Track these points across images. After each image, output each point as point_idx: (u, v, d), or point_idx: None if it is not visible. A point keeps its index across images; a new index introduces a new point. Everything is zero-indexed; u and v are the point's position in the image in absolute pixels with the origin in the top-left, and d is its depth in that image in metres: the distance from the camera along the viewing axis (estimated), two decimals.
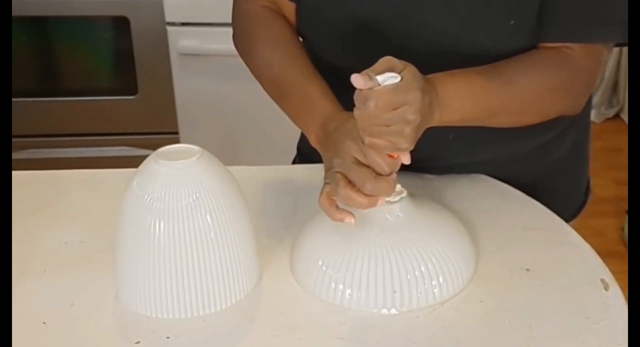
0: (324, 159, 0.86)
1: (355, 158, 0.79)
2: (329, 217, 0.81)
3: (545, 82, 0.90)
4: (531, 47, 0.91)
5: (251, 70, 1.04)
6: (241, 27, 1.06)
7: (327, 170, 0.83)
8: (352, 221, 0.79)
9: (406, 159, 0.79)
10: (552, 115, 0.96)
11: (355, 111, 0.75)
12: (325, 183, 0.82)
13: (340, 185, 0.79)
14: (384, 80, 0.73)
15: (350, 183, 0.79)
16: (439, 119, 0.82)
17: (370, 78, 0.73)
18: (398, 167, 0.79)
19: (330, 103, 0.91)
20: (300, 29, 1.02)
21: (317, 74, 0.96)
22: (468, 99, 0.85)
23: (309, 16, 0.99)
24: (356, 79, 0.72)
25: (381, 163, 0.77)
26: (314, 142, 0.91)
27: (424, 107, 0.75)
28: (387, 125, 0.74)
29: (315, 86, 0.94)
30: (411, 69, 0.75)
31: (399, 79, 0.74)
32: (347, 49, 0.97)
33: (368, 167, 0.78)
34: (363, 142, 0.77)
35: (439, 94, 0.81)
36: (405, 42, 0.91)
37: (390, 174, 0.78)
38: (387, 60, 0.75)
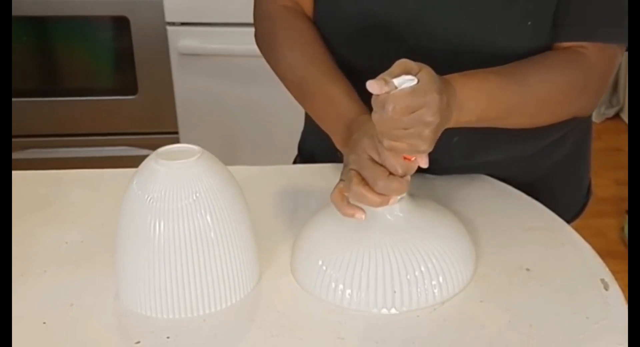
0: (344, 159, 0.87)
1: (370, 156, 0.79)
2: (340, 212, 0.81)
3: (560, 83, 0.90)
4: (547, 47, 0.91)
5: (275, 72, 1.03)
6: (262, 28, 1.05)
7: (344, 167, 0.84)
8: (363, 216, 0.80)
9: (424, 163, 0.79)
10: (565, 116, 0.96)
11: (373, 115, 0.74)
12: (340, 180, 0.82)
13: (353, 182, 0.79)
14: (400, 83, 0.73)
15: (364, 181, 0.79)
16: (456, 120, 0.82)
17: (386, 82, 0.72)
18: (413, 170, 0.79)
19: (354, 105, 0.91)
20: (317, 26, 1.02)
21: (341, 74, 0.96)
22: (484, 99, 0.85)
23: (326, 13, 0.99)
24: (372, 85, 0.72)
25: (395, 164, 0.77)
26: (339, 144, 0.91)
27: (442, 109, 0.75)
28: (406, 129, 0.74)
29: (339, 88, 0.93)
30: (427, 71, 0.75)
31: (415, 81, 0.74)
32: (363, 47, 0.97)
33: (382, 165, 0.78)
34: (380, 141, 0.77)
35: (457, 94, 0.81)
36: (421, 42, 0.91)
37: (403, 175, 0.79)
38: (402, 62, 0.75)
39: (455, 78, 0.82)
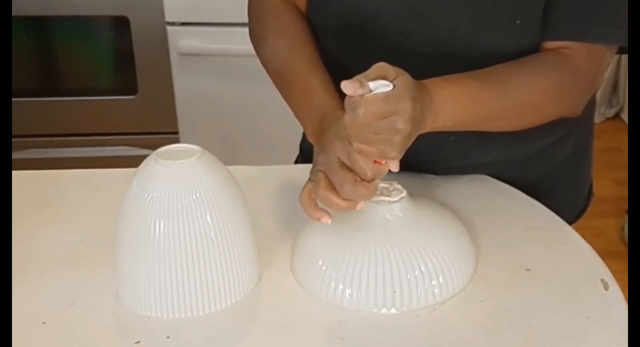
0: (313, 156, 0.86)
1: (339, 159, 0.79)
2: (307, 215, 0.81)
3: (542, 85, 0.89)
4: (537, 47, 0.91)
5: (260, 60, 1.03)
6: (253, 16, 1.06)
7: (313, 166, 0.84)
8: (329, 221, 0.80)
9: (394, 167, 0.78)
10: (550, 118, 0.95)
11: (345, 117, 0.74)
12: (309, 179, 0.82)
13: (320, 185, 0.79)
14: (376, 87, 0.72)
15: (331, 184, 0.78)
16: (432, 126, 0.81)
17: (362, 84, 0.71)
18: (383, 174, 0.78)
19: (330, 98, 0.90)
20: (310, 18, 1.02)
21: (322, 66, 0.95)
22: (463, 103, 0.84)
23: (317, 8, 0.99)
24: (346, 86, 0.71)
25: (365, 168, 0.77)
26: (309, 136, 0.91)
27: (414, 117, 0.74)
28: (376, 134, 0.73)
29: (318, 79, 0.93)
30: (404, 77, 0.74)
31: (391, 87, 0.73)
32: (352, 42, 0.97)
33: (351, 170, 0.78)
34: (350, 143, 0.76)
35: (433, 99, 0.80)
36: (411, 39, 0.91)
37: (372, 180, 0.78)
38: (380, 66, 0.74)
39: (433, 82, 0.81)
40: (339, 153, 0.79)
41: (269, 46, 1.01)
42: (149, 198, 0.76)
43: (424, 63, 0.82)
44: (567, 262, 0.88)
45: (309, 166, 1.13)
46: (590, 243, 0.91)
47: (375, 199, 0.83)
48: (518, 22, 0.88)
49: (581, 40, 0.89)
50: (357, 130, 0.74)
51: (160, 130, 2.19)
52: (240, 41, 1.14)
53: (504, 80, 0.87)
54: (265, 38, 1.01)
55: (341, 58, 0.97)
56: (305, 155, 1.23)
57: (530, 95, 0.89)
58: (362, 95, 0.72)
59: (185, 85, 2.11)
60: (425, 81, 0.80)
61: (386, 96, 0.72)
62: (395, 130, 0.73)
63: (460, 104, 0.83)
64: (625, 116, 3.23)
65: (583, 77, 0.91)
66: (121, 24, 2.06)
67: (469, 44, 0.90)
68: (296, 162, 1.24)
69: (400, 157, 0.77)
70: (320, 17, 0.99)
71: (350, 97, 0.72)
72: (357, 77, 0.72)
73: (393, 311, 0.80)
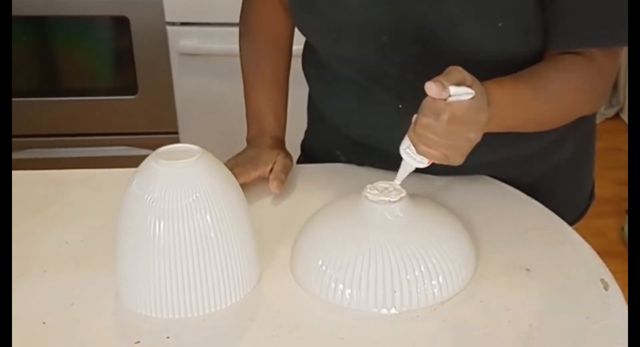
0: (249, 147, 1.15)
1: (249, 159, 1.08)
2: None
3: (575, 87, 0.91)
4: (524, 50, 0.90)
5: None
6: (242, 13, 1.14)
7: (244, 151, 1.14)
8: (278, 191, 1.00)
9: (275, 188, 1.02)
10: (576, 116, 0.97)
11: (423, 119, 0.75)
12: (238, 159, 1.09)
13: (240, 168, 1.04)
14: (456, 93, 0.73)
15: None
16: (486, 129, 0.82)
17: (444, 88, 0.73)
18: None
19: (273, 121, 1.15)
20: (293, 18, 1.04)
21: (281, 85, 1.15)
22: (513, 109, 0.85)
23: (302, 6, 0.99)
24: (431, 88, 0.73)
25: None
26: (248, 136, 1.19)
27: (485, 127, 0.77)
28: (448, 140, 0.75)
29: (270, 106, 1.16)
30: (479, 86, 0.76)
31: (471, 94, 0.74)
32: (337, 41, 0.97)
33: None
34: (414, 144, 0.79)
35: (491, 105, 0.80)
36: (395, 37, 0.91)
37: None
38: (458, 71, 0.75)
39: (489, 89, 0.81)
40: (249, 161, 1.06)
41: (243, 45, 1.15)
42: (149, 198, 0.76)
43: (407, 61, 0.81)
44: (567, 262, 0.88)
45: (308, 166, 1.14)
46: (590, 243, 0.91)
47: (375, 199, 0.83)
48: (500, 24, 0.88)
49: (603, 46, 0.90)
50: (430, 134, 0.75)
51: (160, 130, 2.19)
52: None
53: (544, 85, 0.88)
54: (242, 35, 1.13)
55: (324, 55, 0.98)
56: (306, 154, 1.23)
57: (566, 97, 0.91)
58: (445, 99, 0.73)
59: (185, 85, 2.11)
60: (482, 84, 0.80)
61: (470, 106, 0.74)
62: (467, 139, 0.76)
63: (510, 109, 0.85)
64: (625, 116, 3.23)
65: (603, 77, 0.93)
66: (121, 24, 2.06)
67: (452, 43, 0.89)
68: (298, 162, 1.24)
69: (461, 163, 0.79)
70: (304, 14, 1.00)
71: (434, 101, 0.74)
72: (439, 78, 0.74)
73: (393, 311, 0.80)
